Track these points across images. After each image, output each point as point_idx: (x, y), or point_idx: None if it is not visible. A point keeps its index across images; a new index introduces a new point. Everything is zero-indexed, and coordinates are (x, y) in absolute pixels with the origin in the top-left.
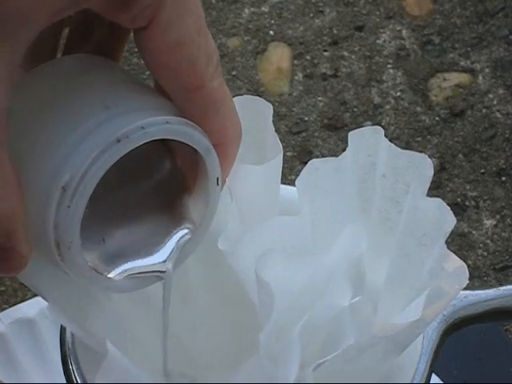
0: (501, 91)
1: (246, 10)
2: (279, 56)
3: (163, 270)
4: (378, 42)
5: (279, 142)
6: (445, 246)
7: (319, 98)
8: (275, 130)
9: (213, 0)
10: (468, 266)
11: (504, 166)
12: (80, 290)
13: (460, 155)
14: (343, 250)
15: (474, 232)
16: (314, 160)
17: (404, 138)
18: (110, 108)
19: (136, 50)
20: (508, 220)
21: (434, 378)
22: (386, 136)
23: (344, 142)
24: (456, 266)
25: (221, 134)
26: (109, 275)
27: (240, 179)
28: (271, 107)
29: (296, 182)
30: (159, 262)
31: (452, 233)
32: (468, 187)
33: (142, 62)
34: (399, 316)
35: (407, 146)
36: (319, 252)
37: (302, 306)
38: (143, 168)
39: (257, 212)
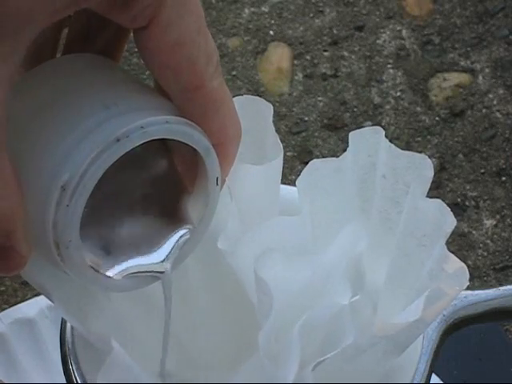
0: (501, 91)
1: (246, 10)
2: (279, 56)
3: (162, 269)
4: (378, 41)
5: (279, 142)
6: (445, 247)
7: (319, 98)
8: (275, 130)
9: (213, 0)
10: (468, 266)
11: (504, 166)
12: (79, 290)
13: (460, 155)
14: (343, 249)
15: (474, 232)
16: (315, 160)
17: (404, 138)
18: (109, 108)
19: (136, 49)
20: (508, 220)
21: (434, 378)
22: (386, 136)
23: (344, 142)
24: (456, 267)
25: (220, 134)
26: (108, 274)
27: (240, 179)
28: (271, 107)
29: (296, 182)
30: (158, 262)
31: (452, 233)
32: (468, 187)
33: (142, 62)
34: (399, 316)
35: (407, 146)
36: (319, 252)
37: (302, 306)
38: (143, 168)
39: (257, 212)
